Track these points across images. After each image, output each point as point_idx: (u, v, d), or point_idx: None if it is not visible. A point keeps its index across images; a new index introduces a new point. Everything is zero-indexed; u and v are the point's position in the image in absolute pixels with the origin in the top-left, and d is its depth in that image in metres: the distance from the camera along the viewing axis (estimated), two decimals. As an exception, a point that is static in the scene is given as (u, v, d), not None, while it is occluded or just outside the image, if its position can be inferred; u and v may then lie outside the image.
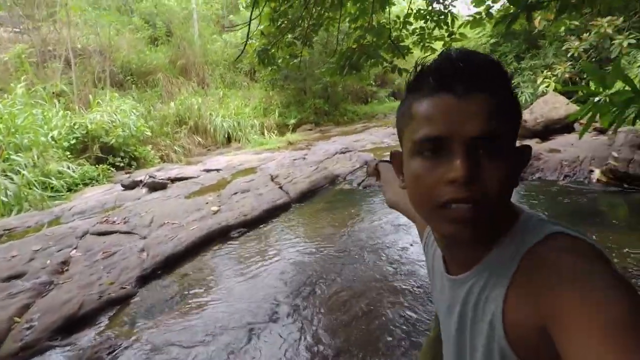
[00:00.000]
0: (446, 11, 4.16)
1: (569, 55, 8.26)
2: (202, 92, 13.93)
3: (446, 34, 4.19)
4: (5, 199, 6.05)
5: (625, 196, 4.23)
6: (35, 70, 10.73)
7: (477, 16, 3.63)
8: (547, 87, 8.21)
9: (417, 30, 4.34)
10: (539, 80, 8.58)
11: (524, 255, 0.50)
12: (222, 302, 3.17)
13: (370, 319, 2.67)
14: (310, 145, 10.81)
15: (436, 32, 4.27)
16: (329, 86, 15.28)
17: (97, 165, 8.26)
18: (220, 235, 4.53)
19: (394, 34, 4.20)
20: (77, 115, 9.34)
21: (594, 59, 7.80)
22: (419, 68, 0.53)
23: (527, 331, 0.47)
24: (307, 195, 5.89)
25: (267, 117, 14.07)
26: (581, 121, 5.42)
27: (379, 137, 10.64)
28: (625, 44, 7.22)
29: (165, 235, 4.38)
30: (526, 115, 7.01)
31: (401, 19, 4.32)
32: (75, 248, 4.27)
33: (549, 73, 8.48)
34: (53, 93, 10.04)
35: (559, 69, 8.30)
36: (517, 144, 0.54)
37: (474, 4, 3.37)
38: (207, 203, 5.53)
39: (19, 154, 6.88)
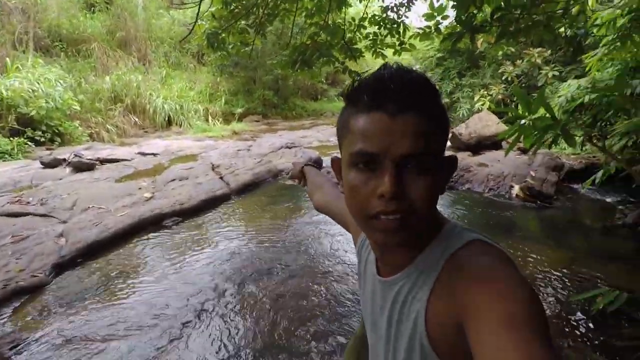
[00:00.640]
0: (399, 20, 4.30)
1: (503, 78, 9.02)
2: (143, 70, 13.00)
3: (397, 43, 4.33)
4: None
5: (538, 212, 4.70)
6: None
7: (427, 29, 3.79)
8: (482, 105, 8.88)
9: (371, 35, 4.44)
10: (476, 98, 9.26)
11: (447, 259, 0.55)
12: (148, 293, 3.00)
13: (302, 311, 2.68)
14: (256, 137, 10.62)
15: (388, 39, 4.39)
16: (280, 79, 15.10)
17: (11, 138, 7.36)
18: (152, 224, 4.28)
19: (348, 35, 4.25)
20: (-10, 78, 8.25)
21: (523, 85, 8.59)
22: (355, 84, 0.55)
23: (445, 328, 0.52)
24: (248, 188, 5.77)
25: (212, 104, 13.54)
26: (508, 140, 5.92)
27: (326, 135, 10.75)
28: (550, 74, 8.04)
29: (90, 221, 4.04)
30: (462, 129, 7.50)
31: (356, 22, 4.38)
32: (-23, 228, 3.78)
33: (485, 92, 9.19)
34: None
35: (494, 89, 9.02)
36: (448, 153, 0.59)
37: (425, 17, 3.51)
38: (140, 188, 5.19)
39: None
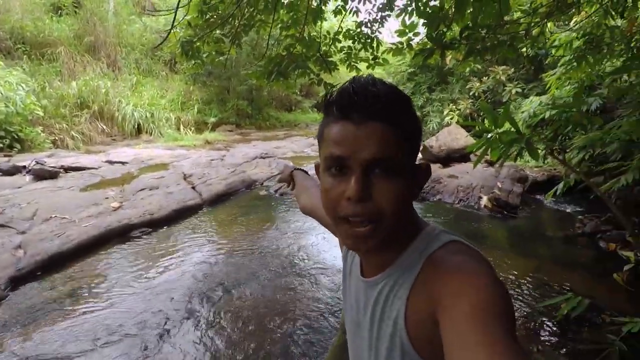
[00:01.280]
0: (373, 36, 4.41)
1: (470, 93, 9.41)
2: (112, 76, 12.63)
3: (371, 57, 4.43)
4: None
5: (504, 222, 4.89)
6: None
7: (400, 45, 3.91)
8: (451, 119, 9.20)
9: (345, 49, 4.53)
10: (445, 112, 9.59)
11: (426, 259, 0.58)
12: (112, 308, 2.87)
13: (277, 321, 2.64)
14: (230, 147, 10.50)
15: (362, 53, 4.49)
16: (254, 89, 15.06)
17: (-35, 143, 6.94)
18: (120, 235, 4.12)
19: (323, 48, 4.32)
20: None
21: (489, 100, 8.98)
22: (328, 96, 0.59)
23: (423, 324, 0.53)
24: (221, 198, 5.68)
25: (184, 112, 13.30)
26: (476, 153, 6.15)
27: (300, 146, 10.78)
28: (513, 91, 8.46)
29: (51, 232, 3.84)
30: (433, 142, 7.73)
31: (331, 35, 4.46)
32: None
33: (454, 107, 9.54)
34: None
35: (462, 104, 9.39)
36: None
37: (397, 33, 3.63)
38: (106, 198, 5.00)
39: None
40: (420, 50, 2.93)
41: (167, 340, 2.50)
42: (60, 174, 6.26)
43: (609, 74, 4.50)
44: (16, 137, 8.01)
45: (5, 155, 7.40)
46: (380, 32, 4.50)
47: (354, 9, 4.50)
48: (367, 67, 4.47)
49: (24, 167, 6.20)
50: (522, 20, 3.18)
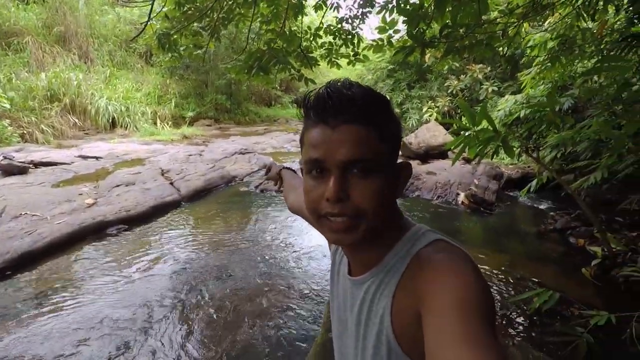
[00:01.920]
0: (354, 32, 4.41)
1: (449, 91, 9.57)
2: (84, 68, 12.17)
3: (351, 53, 4.44)
4: None
5: (481, 217, 5.02)
6: None
7: (380, 42, 3.93)
8: (430, 116, 9.35)
9: (326, 45, 4.51)
10: (424, 109, 9.73)
11: (412, 257, 0.59)
12: (85, 308, 2.79)
13: (258, 319, 2.63)
14: (208, 142, 10.33)
15: (343, 49, 4.49)
16: (233, 83, 14.84)
17: None
18: (94, 232, 4.00)
19: (304, 44, 4.29)
20: None
21: (466, 98, 9.16)
22: (305, 100, 0.60)
23: (408, 321, 0.55)
24: (200, 194, 5.59)
25: (161, 106, 12.97)
26: (454, 150, 6.28)
27: (280, 142, 10.71)
28: (490, 89, 8.66)
29: (21, 229, 3.69)
30: (412, 138, 7.83)
31: (312, 31, 4.44)
32: None
33: (433, 104, 9.69)
34: None
35: (440, 102, 9.54)
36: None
37: (378, 30, 3.64)
38: (80, 194, 4.84)
39: None
40: (401, 48, 2.95)
41: (142, 340, 2.44)
42: (30, 169, 6.01)
43: (580, 74, 4.66)
44: (-19, 130, 7.63)
45: (-31, 150, 7.04)
46: (361, 29, 4.52)
47: (335, 4, 4.49)
48: (348, 64, 4.49)
49: (-10, 162, 5.91)
50: (499, 20, 3.25)
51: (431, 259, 0.56)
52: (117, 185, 5.29)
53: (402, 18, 3.09)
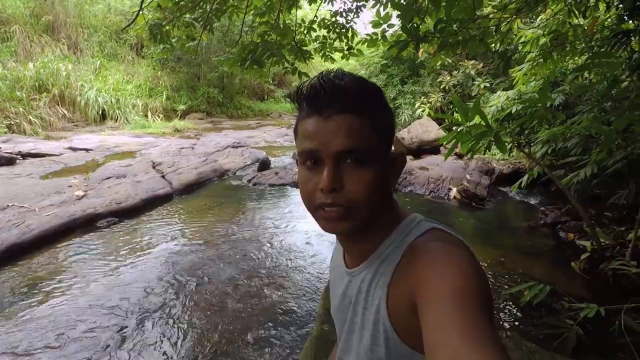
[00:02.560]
0: (348, 26, 4.39)
1: (441, 87, 9.60)
2: (74, 58, 11.96)
3: (345, 47, 4.42)
4: None
5: (472, 212, 5.07)
6: None
7: (374, 36, 3.92)
8: (422, 111, 9.37)
9: (320, 38, 4.49)
10: (417, 105, 9.74)
11: (407, 246, 0.59)
12: (74, 302, 2.76)
13: (251, 315, 2.63)
14: (200, 135, 10.25)
15: (337, 43, 4.47)
16: (226, 76, 14.72)
17: None
18: (84, 225, 3.96)
19: (298, 37, 4.26)
20: None
21: (459, 94, 9.20)
22: (298, 92, 0.60)
23: (405, 310, 0.54)
24: (192, 188, 5.55)
25: (152, 99, 12.81)
26: (446, 145, 6.30)
27: (273, 136, 10.66)
28: (482, 85, 8.70)
29: (9, 221, 3.63)
30: (404, 133, 7.85)
31: (306, 24, 4.41)
32: None
33: (425, 100, 9.71)
34: None
35: (433, 97, 9.57)
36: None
37: (372, 25, 3.63)
38: (70, 186, 4.77)
39: None
40: (396, 42, 2.95)
41: (133, 333, 2.43)
42: (18, 161, 5.91)
43: (571, 71, 4.70)
44: (-34, 120, 7.47)
45: (-46, 141, 6.89)
46: (355, 23, 4.50)
47: (329, -3, 4.46)
48: (342, 58, 4.48)
49: (-24, 153, 5.80)
50: (492, 15, 3.26)
51: (426, 248, 0.56)
52: (108, 178, 5.23)
53: (396, 12, 3.09)
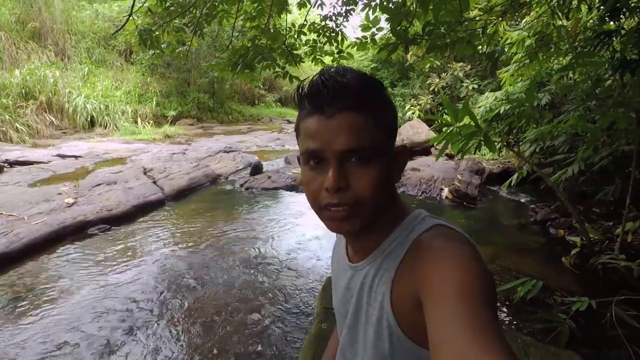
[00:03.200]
0: (337, 30, 4.43)
1: (430, 89, 9.71)
2: (61, 65, 11.84)
3: (335, 51, 4.46)
4: None
5: (464, 211, 5.13)
6: None
7: (364, 40, 3.96)
8: (412, 113, 9.46)
9: (310, 42, 4.52)
10: (407, 107, 9.84)
11: (412, 242, 0.58)
12: (66, 309, 2.71)
13: (246, 319, 2.62)
14: (191, 141, 10.21)
15: (327, 47, 4.51)
16: (216, 82, 14.68)
17: None
18: (75, 232, 3.91)
19: (289, 41, 4.28)
20: None
21: (448, 96, 9.31)
22: (299, 90, 0.59)
23: (409, 306, 0.54)
24: (184, 193, 5.52)
25: (142, 105, 12.71)
26: (437, 146, 6.36)
27: (264, 140, 10.65)
28: (470, 87, 8.82)
29: (-3, 230, 3.57)
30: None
31: (296, 28, 4.44)
32: None
33: (415, 102, 9.82)
34: None
35: (423, 99, 9.67)
36: None
37: (361, 28, 3.67)
38: (59, 194, 4.70)
39: None
40: (385, 45, 2.99)
41: (125, 341, 2.40)
42: (5, 169, 5.82)
43: (556, 71, 4.80)
44: (-49, 129, 7.33)
45: (-62, 150, 6.76)
46: (344, 26, 4.54)
47: (318, 2, 4.50)
48: (332, 61, 4.51)
49: (-38, 162, 5.70)
50: (478, 18, 3.32)
51: (431, 244, 0.55)
52: (98, 185, 5.17)
53: (385, 16, 3.13)
